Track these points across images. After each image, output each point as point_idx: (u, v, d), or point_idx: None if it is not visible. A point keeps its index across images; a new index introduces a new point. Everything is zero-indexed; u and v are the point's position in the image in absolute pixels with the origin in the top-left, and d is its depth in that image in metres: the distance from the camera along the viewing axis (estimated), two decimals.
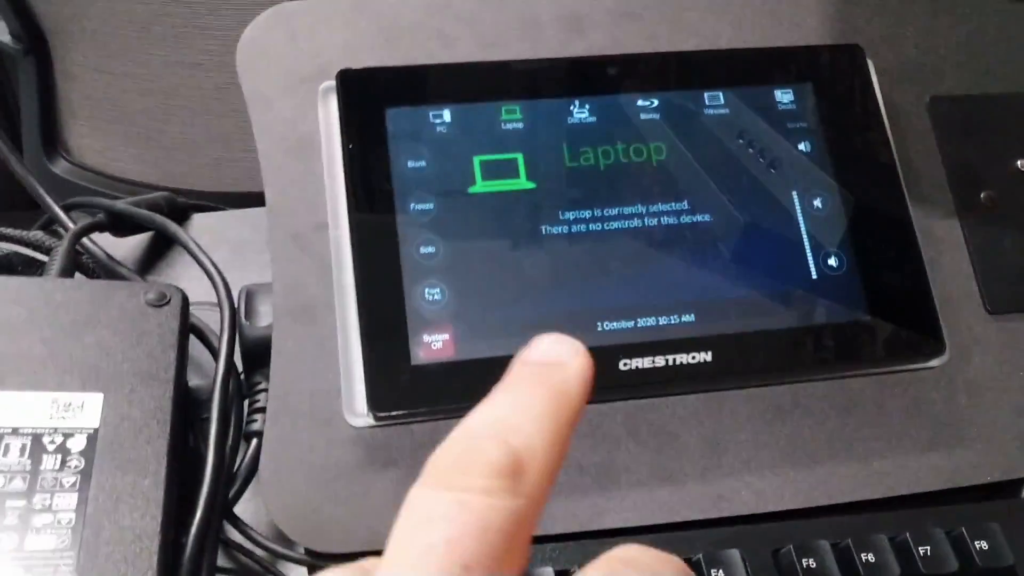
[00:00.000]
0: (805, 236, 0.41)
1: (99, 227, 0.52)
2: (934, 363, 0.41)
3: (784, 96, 0.43)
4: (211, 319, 0.47)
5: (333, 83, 0.42)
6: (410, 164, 0.40)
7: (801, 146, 0.43)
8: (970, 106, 0.45)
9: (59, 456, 0.38)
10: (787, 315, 0.40)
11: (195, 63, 1.44)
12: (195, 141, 1.52)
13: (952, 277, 0.43)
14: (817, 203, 0.42)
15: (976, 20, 0.46)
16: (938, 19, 0.47)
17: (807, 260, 0.41)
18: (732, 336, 0.40)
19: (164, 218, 0.50)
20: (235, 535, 0.41)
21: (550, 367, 0.22)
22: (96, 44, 1.45)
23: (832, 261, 0.41)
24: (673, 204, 0.41)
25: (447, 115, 0.41)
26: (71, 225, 0.51)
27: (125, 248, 0.55)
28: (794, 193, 0.42)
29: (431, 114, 0.41)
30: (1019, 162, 0.44)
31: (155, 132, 1.55)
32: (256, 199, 0.45)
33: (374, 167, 0.40)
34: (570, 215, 0.40)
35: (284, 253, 0.40)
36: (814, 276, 0.41)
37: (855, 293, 0.41)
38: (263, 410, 0.41)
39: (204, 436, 0.41)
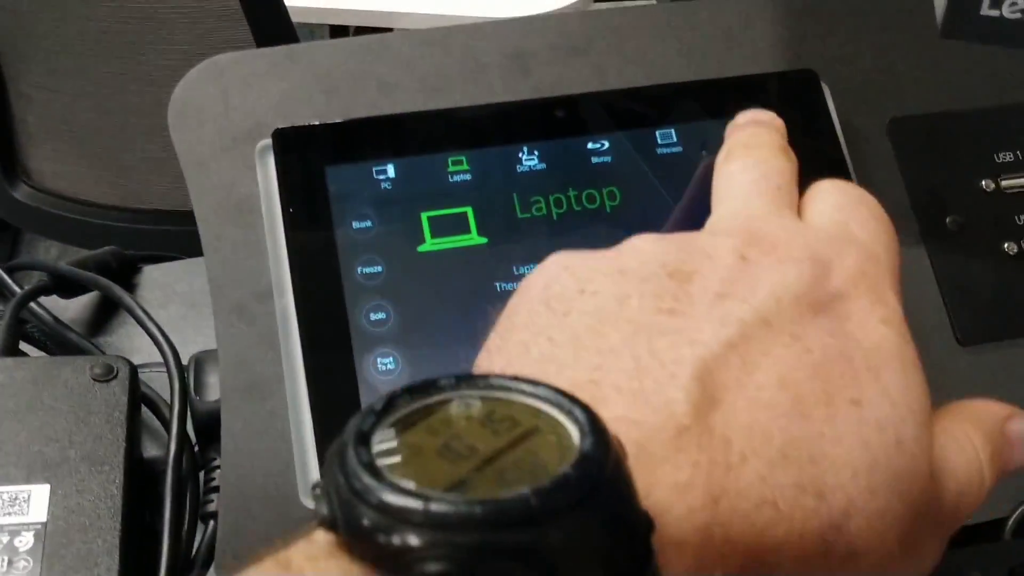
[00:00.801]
0: None
1: (44, 291, 0.50)
2: None
3: None
4: (165, 382, 0.45)
5: (270, 142, 0.40)
6: (355, 225, 0.39)
7: None
8: (932, 125, 0.44)
9: (5, 557, 0.36)
10: None
11: (150, 79, 1.41)
12: (156, 159, 1.50)
13: (919, 309, 0.41)
14: None
15: (934, 33, 0.44)
16: (895, 35, 0.45)
17: None
18: None
19: (108, 281, 0.49)
20: None
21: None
22: (49, 64, 1.42)
23: None
24: None
25: (391, 170, 0.39)
26: (16, 289, 0.49)
27: (75, 309, 0.53)
28: None
29: (374, 170, 0.39)
30: (984, 182, 0.43)
31: (115, 151, 1.53)
32: None
33: (317, 230, 0.39)
34: (525, 269, 0.39)
35: (228, 326, 0.38)
36: None
37: None
38: (219, 489, 0.40)
39: (160, 514, 0.40)
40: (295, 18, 1.32)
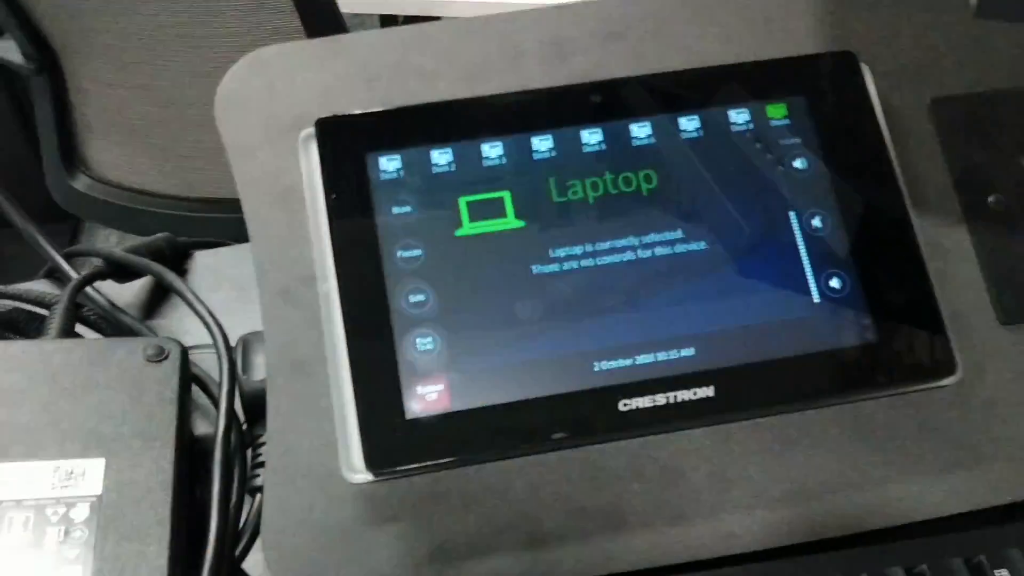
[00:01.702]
0: (805, 258, 0.40)
1: (100, 276, 0.52)
2: (946, 382, 0.40)
3: (777, 112, 0.42)
4: (214, 363, 0.47)
5: (313, 131, 0.41)
6: (395, 210, 0.40)
7: (797, 163, 0.41)
8: (974, 105, 0.43)
9: (62, 528, 0.38)
10: (790, 342, 0.39)
11: (204, 71, 1.44)
12: (209, 148, 1.53)
13: (962, 289, 0.41)
14: (816, 222, 0.41)
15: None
16: (935, 15, 0.45)
17: (808, 283, 0.40)
18: (734, 368, 0.39)
19: (161, 266, 0.50)
20: None
21: None
22: (107, 58, 1.45)
23: (835, 282, 0.40)
24: (666, 234, 0.40)
25: (430, 156, 0.40)
26: (73, 275, 0.51)
27: (129, 294, 0.55)
28: (792, 213, 0.41)
29: (413, 157, 0.40)
30: None
31: (171, 142, 1.56)
32: None
33: (358, 216, 0.39)
34: (561, 252, 0.39)
35: (274, 309, 0.40)
36: (816, 299, 0.40)
37: (860, 314, 0.40)
38: (265, 464, 0.41)
39: (209, 489, 0.41)
40: (344, 8, 1.34)
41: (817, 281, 0.40)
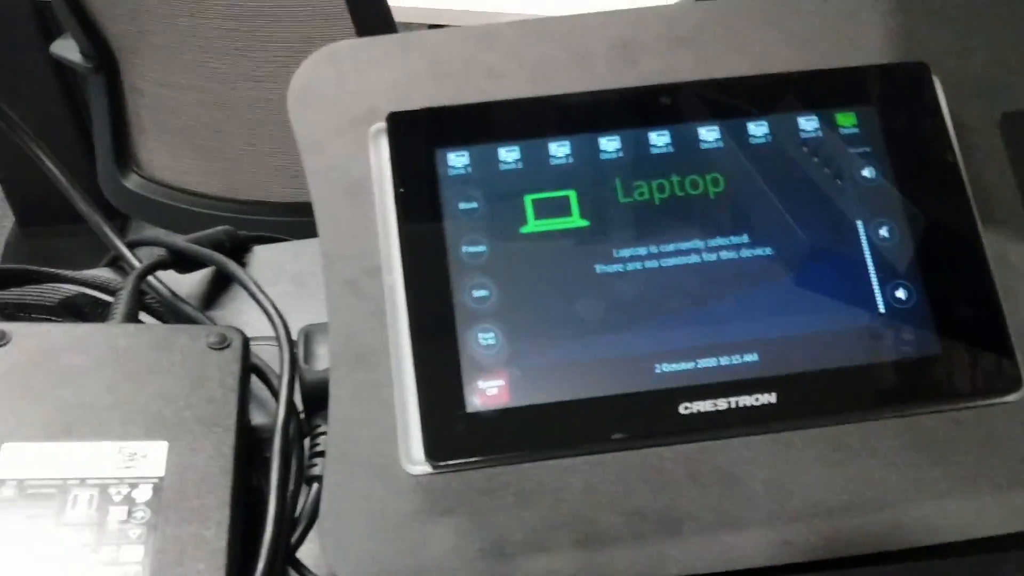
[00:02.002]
0: (871, 267, 0.40)
1: (162, 265, 0.52)
2: (1011, 398, 0.39)
3: (846, 120, 0.42)
4: (273, 355, 0.47)
5: (383, 125, 0.41)
6: (462, 206, 0.40)
7: (865, 172, 0.41)
8: None
9: (125, 507, 0.38)
10: (853, 352, 0.39)
11: (257, 76, 1.46)
12: (258, 152, 1.55)
13: None
14: (884, 232, 0.40)
15: None
16: (1008, 28, 0.45)
17: (874, 293, 0.40)
18: (796, 376, 0.39)
19: (224, 257, 0.51)
20: None
21: None
22: (162, 60, 1.48)
23: (900, 293, 0.40)
24: (732, 238, 0.40)
25: (498, 154, 0.41)
26: (136, 263, 0.52)
27: (190, 284, 0.56)
28: (859, 222, 0.40)
29: (481, 154, 0.41)
30: None
31: (221, 144, 1.58)
32: None
33: (426, 210, 0.40)
34: (625, 253, 0.40)
35: (339, 300, 0.40)
36: (882, 309, 0.39)
37: (925, 326, 0.39)
38: (323, 454, 0.41)
39: (266, 476, 0.42)
40: (397, 17, 1.35)
41: (882, 291, 0.40)
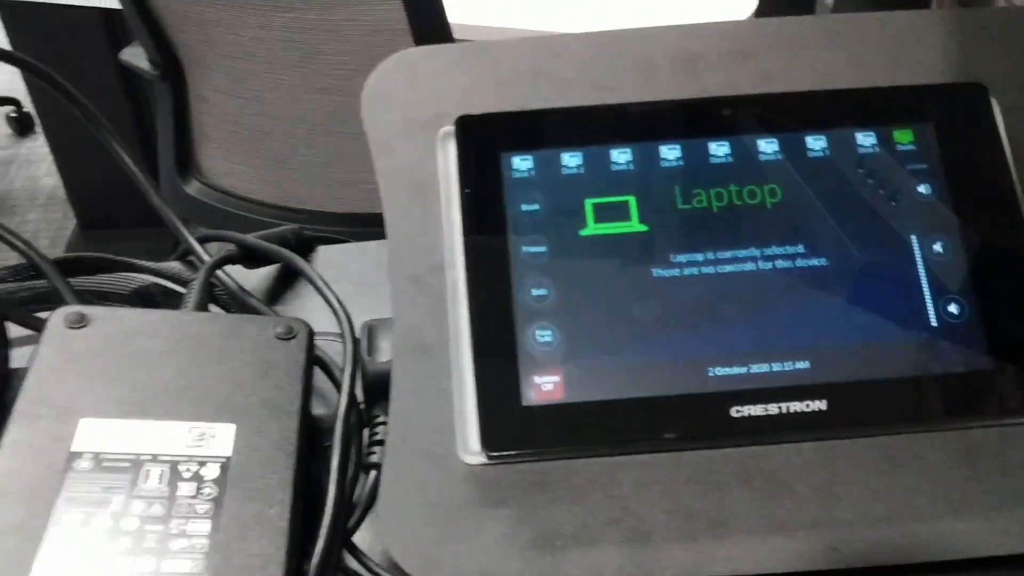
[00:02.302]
0: (925, 281, 0.41)
1: (231, 260, 0.55)
2: None
3: (903, 137, 0.42)
4: (335, 349, 0.49)
5: (452, 128, 0.43)
6: (524, 207, 0.41)
7: (921, 188, 0.42)
8: None
9: (194, 484, 0.40)
10: (905, 363, 0.40)
11: (320, 87, 1.49)
12: (319, 163, 1.58)
13: None
14: (937, 247, 0.41)
15: None
16: None
17: (927, 306, 0.40)
18: (848, 384, 0.39)
19: (292, 253, 0.53)
20: (353, 563, 0.42)
21: None
22: (227, 69, 1.52)
23: (953, 307, 0.40)
24: (788, 247, 0.41)
25: (561, 158, 0.42)
26: (206, 257, 0.54)
27: (255, 279, 0.58)
28: (914, 237, 0.41)
29: (545, 158, 0.42)
30: None
31: (282, 154, 1.62)
32: (377, 220, 0.46)
33: (489, 210, 0.41)
34: (682, 258, 0.41)
35: (404, 294, 0.42)
36: (934, 323, 0.40)
37: (977, 340, 0.40)
38: (382, 443, 0.43)
39: (326, 465, 0.43)
40: (457, 35, 1.38)
41: (935, 305, 0.40)
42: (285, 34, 1.38)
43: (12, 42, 1.95)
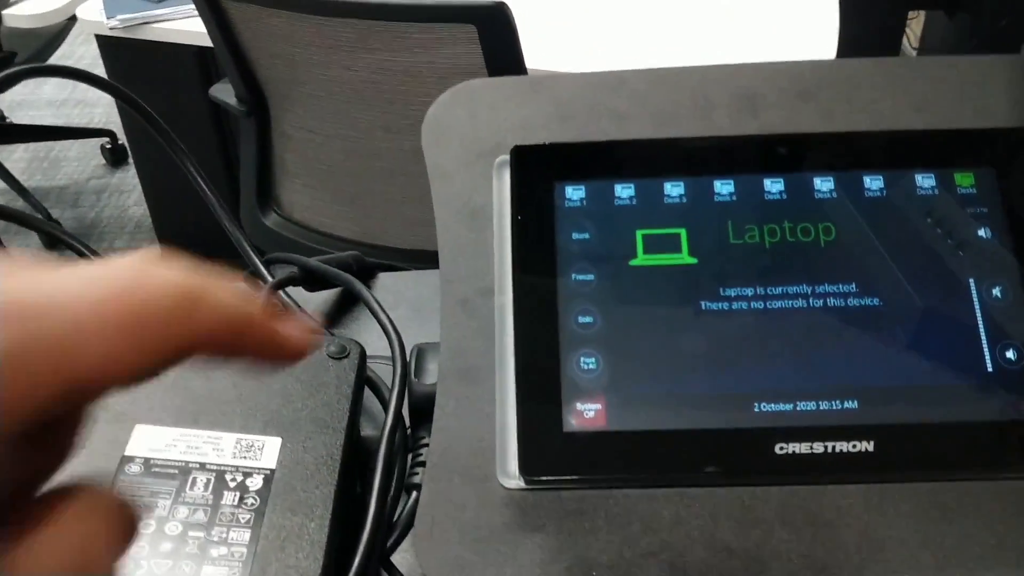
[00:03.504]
0: (981, 326, 0.40)
1: (293, 281, 0.56)
2: None
3: (964, 180, 0.42)
4: (385, 371, 0.50)
5: (507, 157, 0.44)
6: (575, 236, 0.42)
7: (980, 232, 0.41)
8: None
9: (238, 493, 0.41)
10: (958, 408, 0.38)
11: (397, 128, 1.53)
12: (392, 201, 1.61)
13: None
14: (996, 292, 0.40)
15: None
16: None
17: (983, 351, 0.39)
18: (897, 426, 0.38)
19: (351, 276, 0.54)
20: None
21: None
22: (310, 108, 1.57)
23: (1010, 354, 0.39)
24: (840, 286, 0.40)
25: (613, 190, 0.42)
26: (270, 278, 0.56)
27: (316, 301, 0.59)
28: (971, 280, 0.40)
29: (597, 189, 0.42)
30: None
31: (357, 190, 1.65)
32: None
33: (540, 238, 0.42)
34: (731, 292, 0.40)
35: (452, 317, 0.42)
36: (990, 368, 0.39)
37: None
38: (424, 464, 0.43)
39: (370, 485, 0.44)
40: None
41: (992, 351, 0.39)
42: (368, 75, 1.42)
43: (109, 76, 2.04)
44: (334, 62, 1.44)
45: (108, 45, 2.03)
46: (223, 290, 0.22)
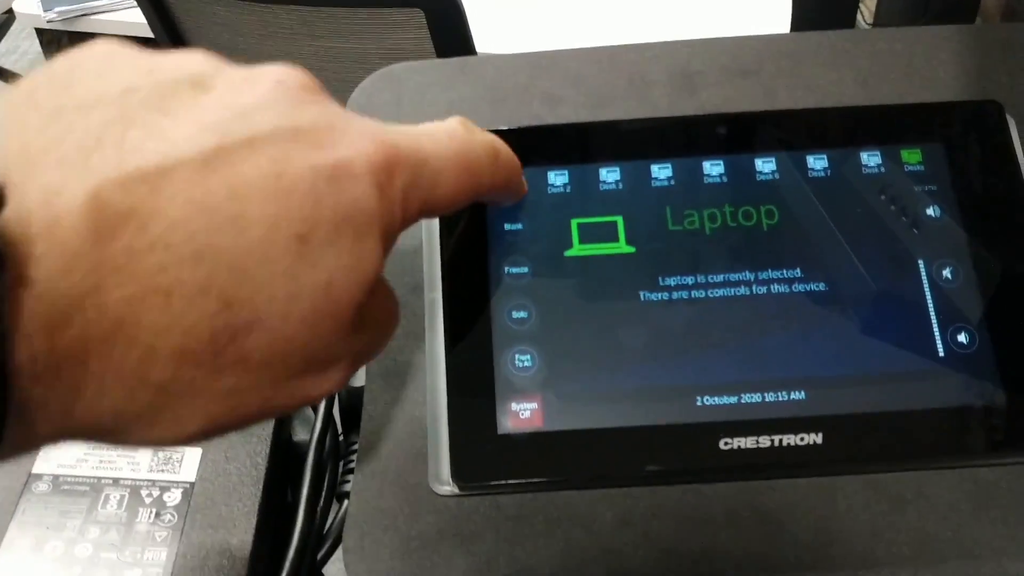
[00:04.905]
0: (932, 309, 0.38)
1: None
2: None
3: (911, 156, 0.40)
4: None
5: None
6: (507, 227, 0.39)
7: (929, 211, 0.39)
8: None
9: (154, 509, 0.39)
10: (909, 396, 0.37)
11: (334, 87, 1.49)
12: None
13: None
14: (946, 273, 0.38)
15: None
16: None
17: (933, 336, 0.38)
18: (846, 417, 0.37)
19: None
20: None
21: None
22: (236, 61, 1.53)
23: (962, 337, 0.38)
24: (785, 271, 0.39)
25: (546, 177, 0.40)
26: None
27: None
28: (920, 262, 0.39)
29: (529, 176, 0.40)
30: None
31: None
32: None
33: (470, 230, 0.40)
34: (671, 281, 0.38)
35: None
36: (941, 353, 0.37)
37: (988, 373, 0.37)
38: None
39: (298, 494, 0.41)
40: (480, 48, 1.37)
41: (943, 335, 0.38)
42: (315, 62, 1.39)
43: None
44: (278, 50, 1.40)
45: (50, 39, 1.97)
46: (507, 148, 0.32)
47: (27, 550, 0.37)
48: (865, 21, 2.47)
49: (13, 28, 2.34)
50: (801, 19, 1.60)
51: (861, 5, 2.48)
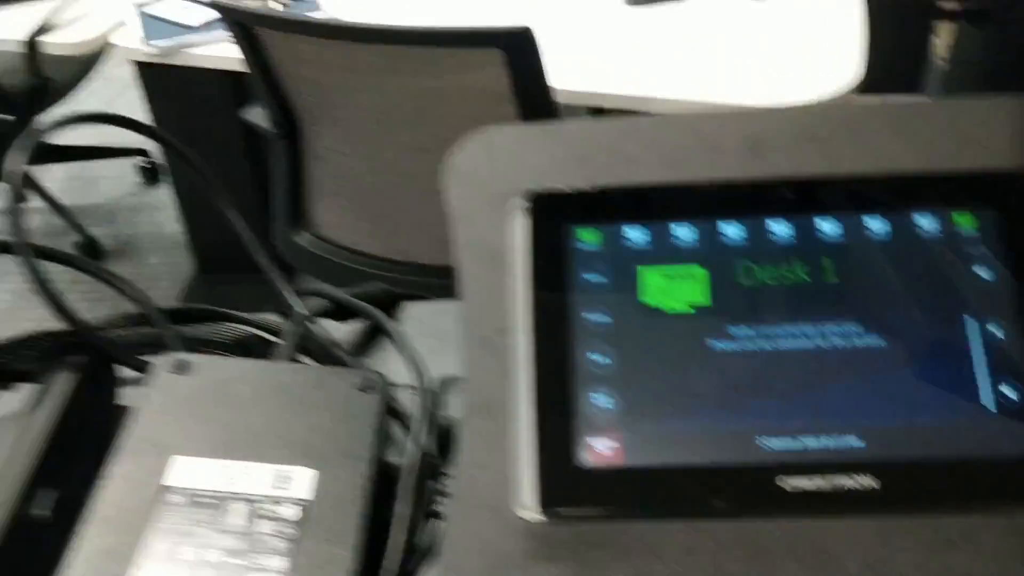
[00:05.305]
0: (982, 365, 0.41)
1: (323, 314, 0.59)
2: None
3: (964, 221, 0.43)
4: (409, 402, 0.52)
5: (525, 202, 0.46)
6: (589, 277, 0.44)
7: (982, 273, 0.42)
8: None
9: (272, 522, 0.43)
10: (960, 446, 0.40)
11: (426, 148, 1.55)
12: (422, 219, 1.64)
13: None
14: (996, 330, 0.42)
15: None
16: None
17: (984, 388, 0.41)
18: (900, 463, 0.40)
19: (378, 311, 0.57)
20: None
21: None
22: (341, 130, 1.60)
23: (1011, 392, 0.41)
24: (845, 326, 0.42)
25: (626, 233, 0.44)
26: (303, 311, 0.58)
27: (347, 331, 0.62)
28: (972, 319, 0.42)
29: (610, 232, 0.44)
30: None
31: (388, 210, 1.68)
32: None
33: (556, 279, 0.44)
34: (738, 331, 0.42)
35: (473, 354, 0.44)
36: (991, 407, 0.40)
37: None
38: (445, 493, 0.45)
39: (393, 512, 0.46)
40: (558, 99, 1.42)
41: (993, 389, 0.41)
42: (398, 98, 1.45)
43: (148, 97, 2.09)
44: (364, 86, 1.47)
45: (144, 68, 2.07)
46: None
47: (163, 554, 0.42)
48: (940, 57, 2.46)
49: (108, 53, 2.46)
50: (873, 57, 1.61)
51: (936, 41, 2.47)
